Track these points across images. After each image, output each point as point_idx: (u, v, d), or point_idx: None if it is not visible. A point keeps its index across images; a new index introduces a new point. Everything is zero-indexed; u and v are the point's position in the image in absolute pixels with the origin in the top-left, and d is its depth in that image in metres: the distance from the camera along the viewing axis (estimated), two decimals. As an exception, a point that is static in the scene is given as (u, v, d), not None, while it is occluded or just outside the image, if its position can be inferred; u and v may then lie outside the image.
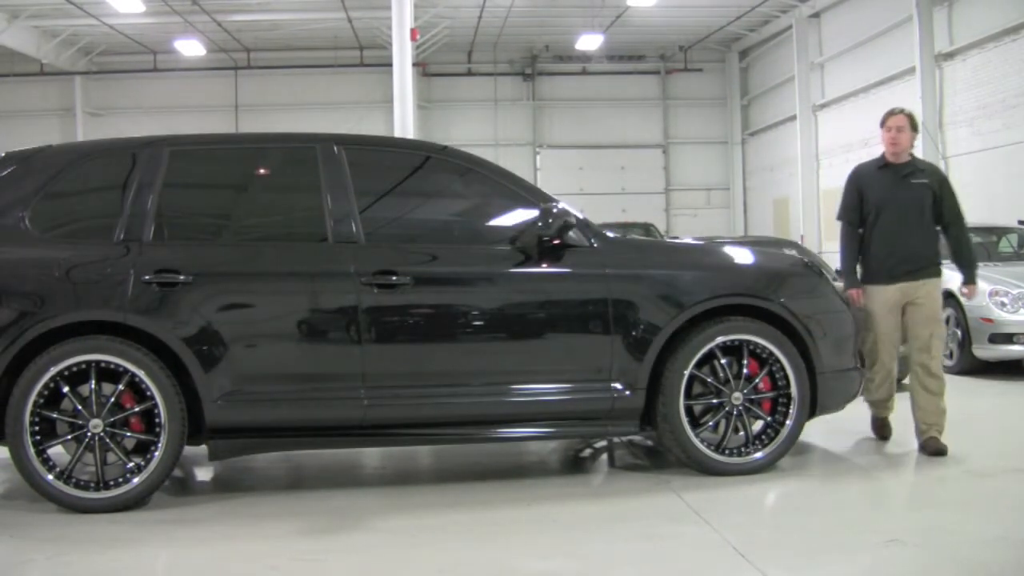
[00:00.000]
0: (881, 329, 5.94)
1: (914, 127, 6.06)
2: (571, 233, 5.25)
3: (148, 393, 4.89)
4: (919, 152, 17.62)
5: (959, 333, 9.46)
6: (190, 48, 23.42)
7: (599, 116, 27.19)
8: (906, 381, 8.78)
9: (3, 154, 5.28)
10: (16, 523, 4.75)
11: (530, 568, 4.12)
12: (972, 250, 6.16)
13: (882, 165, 6.09)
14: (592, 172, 27.06)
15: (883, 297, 5.91)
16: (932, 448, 5.80)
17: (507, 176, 5.52)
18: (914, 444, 5.93)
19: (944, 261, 6.06)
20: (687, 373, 5.29)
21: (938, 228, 6.04)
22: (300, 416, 5.11)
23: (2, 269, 4.93)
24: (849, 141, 20.58)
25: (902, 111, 6.10)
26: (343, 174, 5.26)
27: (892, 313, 5.92)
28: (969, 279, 6.13)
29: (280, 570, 4.08)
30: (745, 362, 5.39)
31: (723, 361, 5.37)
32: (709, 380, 5.38)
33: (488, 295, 5.28)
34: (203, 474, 5.98)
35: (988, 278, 9.53)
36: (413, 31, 14.65)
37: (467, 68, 26.91)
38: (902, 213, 5.93)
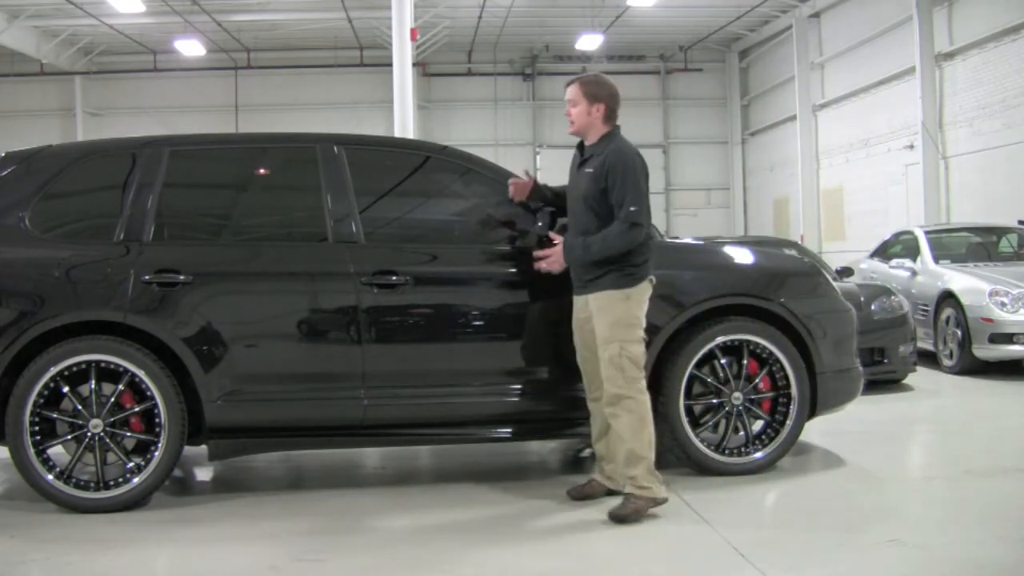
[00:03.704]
0: (575, 344, 4.95)
1: (596, 97, 4.73)
2: (571, 233, 5.24)
3: (148, 393, 4.89)
4: (917, 152, 17.73)
5: (959, 333, 9.46)
6: (190, 48, 23.39)
7: (599, 116, 27.14)
8: (905, 381, 8.88)
9: (3, 154, 5.29)
10: (16, 523, 4.75)
11: (530, 568, 4.11)
12: (611, 244, 4.60)
13: (580, 146, 4.95)
14: (592, 172, 27.01)
15: (573, 311, 4.93)
16: (610, 510, 4.66)
17: (507, 176, 5.52)
18: (913, 444, 5.92)
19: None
20: (687, 373, 5.29)
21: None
22: (300, 416, 5.11)
23: (2, 269, 4.94)
24: (849, 141, 20.58)
25: (577, 79, 4.82)
26: (343, 174, 5.26)
27: (579, 331, 4.88)
28: (571, 247, 4.73)
29: (280, 570, 4.08)
30: (745, 362, 5.39)
31: (723, 361, 5.37)
32: (709, 380, 5.37)
33: (488, 295, 5.28)
34: (203, 474, 5.98)
35: (988, 278, 9.54)
36: (413, 31, 14.64)
37: (467, 68, 26.88)
38: (571, 210, 4.91)
